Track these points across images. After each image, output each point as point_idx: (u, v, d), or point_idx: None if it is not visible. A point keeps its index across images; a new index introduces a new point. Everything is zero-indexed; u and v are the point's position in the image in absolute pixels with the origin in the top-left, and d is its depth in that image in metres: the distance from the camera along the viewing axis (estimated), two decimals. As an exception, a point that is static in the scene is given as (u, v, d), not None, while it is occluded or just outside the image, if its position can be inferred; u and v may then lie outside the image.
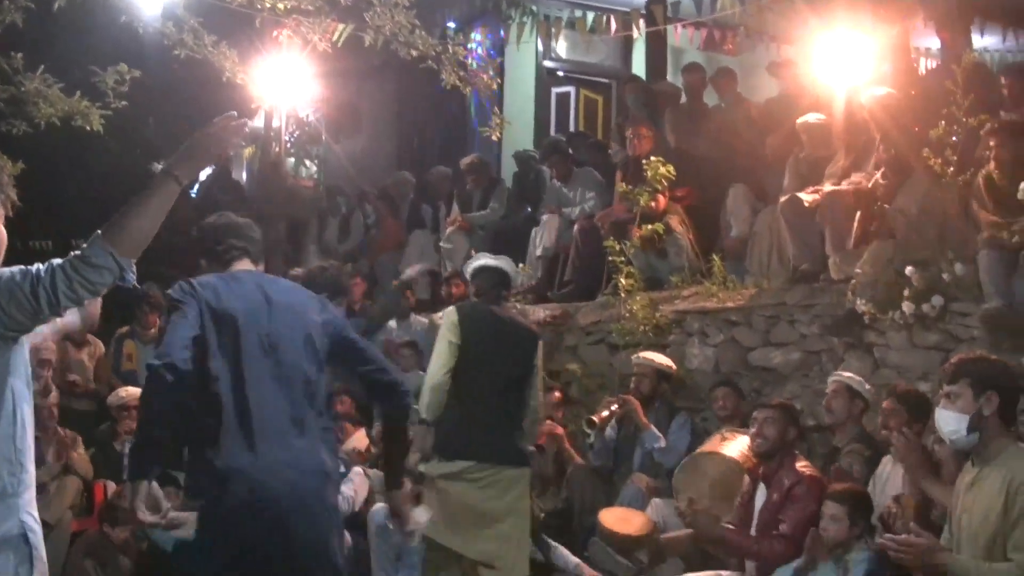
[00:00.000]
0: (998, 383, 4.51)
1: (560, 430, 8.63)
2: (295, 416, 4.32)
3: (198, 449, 4.27)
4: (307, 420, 4.35)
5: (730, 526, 6.37)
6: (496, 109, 10.11)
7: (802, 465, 6.28)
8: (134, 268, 3.40)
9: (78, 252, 3.37)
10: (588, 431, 8.27)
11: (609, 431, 8.46)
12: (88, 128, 8.65)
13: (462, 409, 6.28)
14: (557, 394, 8.94)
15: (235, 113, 3.62)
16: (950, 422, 4.57)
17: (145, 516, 4.03)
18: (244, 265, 4.61)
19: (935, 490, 5.10)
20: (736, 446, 7.23)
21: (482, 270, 6.77)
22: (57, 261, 3.40)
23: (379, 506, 7.70)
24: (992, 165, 7.50)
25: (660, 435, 8.13)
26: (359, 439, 9.31)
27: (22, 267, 3.42)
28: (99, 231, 3.36)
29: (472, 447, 6.22)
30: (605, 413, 8.21)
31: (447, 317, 6.46)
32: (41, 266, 3.40)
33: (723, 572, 6.52)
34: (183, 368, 4.11)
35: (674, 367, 8.56)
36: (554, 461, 8.69)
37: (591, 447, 8.50)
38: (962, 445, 4.64)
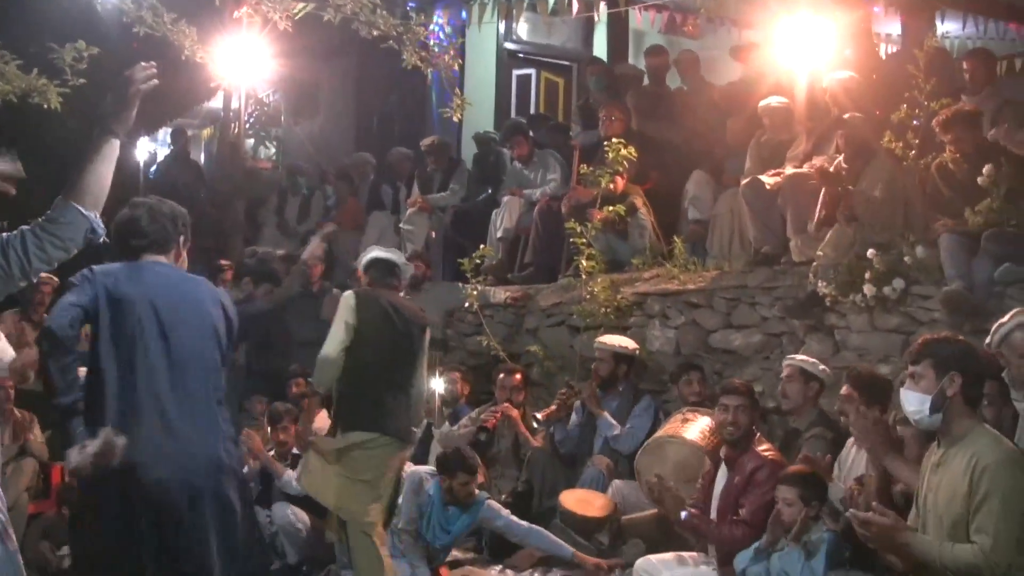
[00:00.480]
0: (961, 364, 4.51)
1: (515, 412, 8.62)
2: (188, 404, 4.40)
3: (87, 424, 4.34)
4: (201, 408, 4.45)
5: (693, 510, 6.36)
6: (457, 90, 10.02)
7: (764, 449, 6.27)
8: (101, 222, 3.58)
9: (45, 216, 3.50)
10: (536, 427, 8.43)
11: (573, 418, 8.49)
12: (45, 106, 8.49)
13: (356, 385, 6.72)
14: (518, 376, 8.91)
15: (144, 64, 3.94)
16: (913, 402, 4.57)
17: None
18: (151, 257, 4.63)
19: (898, 467, 5.09)
20: (697, 427, 7.24)
21: (375, 262, 7.22)
22: (26, 227, 3.54)
23: None
24: (948, 153, 7.54)
25: (613, 423, 8.16)
26: (322, 418, 9.28)
27: None
28: (59, 196, 3.62)
29: (363, 420, 6.67)
30: (552, 408, 8.44)
31: (345, 300, 6.83)
32: (9, 233, 3.53)
33: (685, 553, 6.52)
34: (60, 334, 4.27)
35: (636, 348, 8.54)
36: (512, 444, 8.68)
37: (553, 438, 8.51)
38: (925, 425, 4.64)
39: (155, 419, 4.31)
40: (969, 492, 4.29)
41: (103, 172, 3.77)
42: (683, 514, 6.28)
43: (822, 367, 7.01)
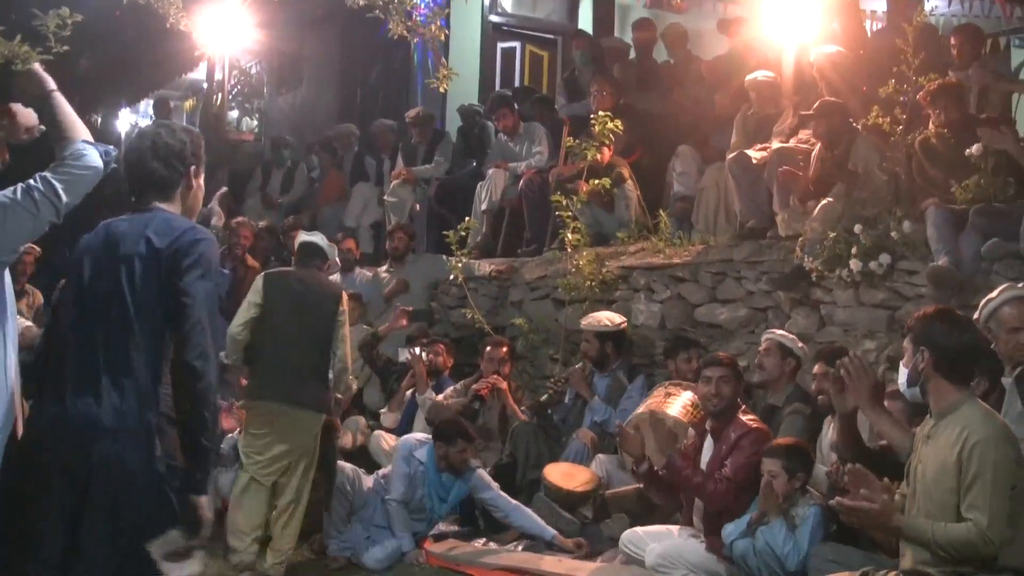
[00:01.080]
0: (930, 340, 4.55)
1: (504, 384, 8.61)
2: (110, 361, 3.80)
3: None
4: (121, 366, 3.80)
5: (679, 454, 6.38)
6: (443, 60, 9.96)
7: (749, 419, 6.30)
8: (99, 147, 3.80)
9: (55, 162, 3.80)
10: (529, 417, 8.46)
11: (568, 396, 8.54)
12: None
13: (265, 358, 7.41)
14: (504, 348, 8.90)
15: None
16: (900, 375, 4.65)
17: None
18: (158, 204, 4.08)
19: (882, 421, 5.09)
20: (680, 402, 7.23)
21: (301, 245, 7.93)
22: (42, 173, 3.78)
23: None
24: (932, 128, 7.55)
25: (604, 407, 8.19)
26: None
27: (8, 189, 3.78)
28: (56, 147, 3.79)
29: (271, 390, 7.30)
30: (543, 399, 8.51)
31: (255, 282, 7.61)
32: (29, 181, 3.76)
33: (672, 526, 6.53)
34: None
35: (621, 322, 8.53)
36: (499, 416, 8.68)
37: (552, 418, 8.58)
38: (909, 397, 4.80)
39: (76, 387, 3.83)
40: (958, 467, 4.30)
41: (69, 110, 3.96)
42: (670, 455, 6.30)
43: (800, 344, 7.06)
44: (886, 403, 5.61)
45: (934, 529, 4.32)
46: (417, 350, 9.08)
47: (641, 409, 7.43)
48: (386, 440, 8.73)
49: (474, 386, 8.62)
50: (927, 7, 11.46)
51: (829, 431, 6.23)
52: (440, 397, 8.84)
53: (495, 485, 7.66)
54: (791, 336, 7.12)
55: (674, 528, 6.48)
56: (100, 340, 3.80)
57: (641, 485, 6.75)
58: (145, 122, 19.62)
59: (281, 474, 7.29)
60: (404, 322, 9.57)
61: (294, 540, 7.35)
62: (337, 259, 8.53)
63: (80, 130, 3.94)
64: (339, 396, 7.90)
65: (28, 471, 3.77)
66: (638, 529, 6.49)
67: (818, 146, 8.17)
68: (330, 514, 7.70)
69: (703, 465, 6.32)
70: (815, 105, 8.14)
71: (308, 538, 7.72)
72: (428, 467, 7.66)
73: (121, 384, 3.76)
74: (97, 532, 3.67)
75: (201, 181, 4.17)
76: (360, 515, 7.76)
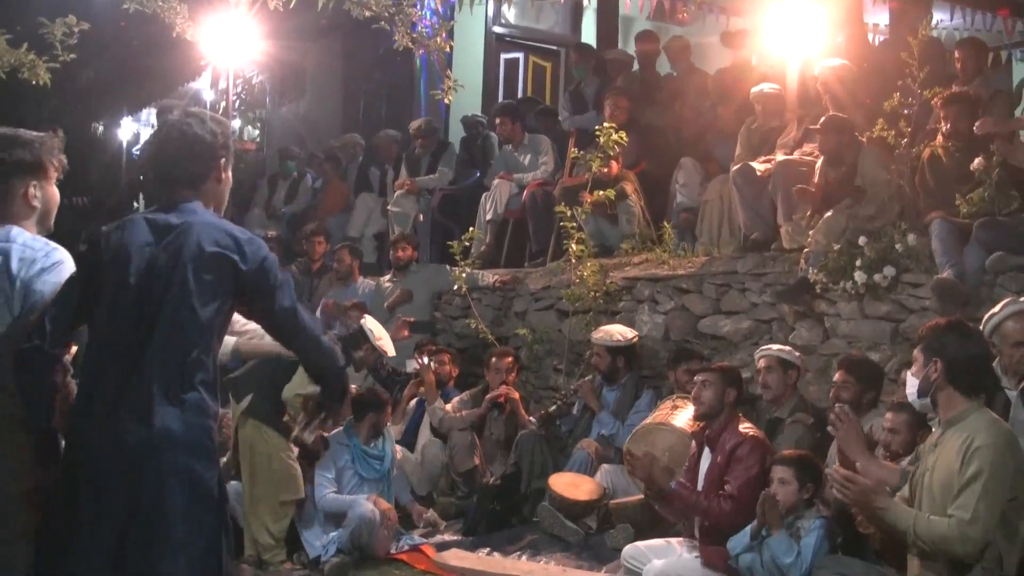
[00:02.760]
0: (942, 351, 4.57)
1: (516, 394, 8.67)
2: (163, 369, 3.62)
3: None
4: (176, 373, 3.64)
5: (681, 480, 6.41)
6: (448, 72, 10.00)
7: (745, 427, 6.32)
8: None
9: None
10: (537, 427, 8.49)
11: (576, 407, 8.58)
12: (34, 82, 8.42)
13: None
14: (509, 358, 8.93)
15: None
16: (910, 385, 4.68)
17: None
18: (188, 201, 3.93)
19: (871, 466, 5.13)
20: (686, 415, 7.26)
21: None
22: None
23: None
24: (939, 140, 7.56)
25: (611, 420, 8.24)
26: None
27: None
28: None
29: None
30: (551, 409, 8.57)
31: None
32: None
33: (673, 539, 6.53)
34: None
35: (633, 336, 8.58)
36: (504, 425, 8.71)
37: (560, 428, 8.63)
38: (918, 408, 4.83)
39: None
40: (960, 470, 4.33)
41: None
42: (672, 483, 6.32)
43: (796, 353, 7.10)
44: (890, 415, 5.69)
45: (916, 519, 4.37)
46: (426, 359, 9.10)
47: (647, 421, 7.47)
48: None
49: (488, 395, 8.63)
50: (933, 21, 11.48)
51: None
52: (448, 407, 8.87)
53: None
54: (786, 348, 7.19)
55: (675, 541, 6.47)
56: (148, 344, 3.60)
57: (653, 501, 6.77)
58: (147, 131, 19.62)
59: None
60: (405, 333, 9.58)
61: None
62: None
63: None
64: None
65: (76, 488, 3.59)
66: (640, 544, 6.49)
67: (821, 160, 8.18)
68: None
69: (702, 474, 6.34)
70: (821, 120, 8.15)
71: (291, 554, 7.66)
72: (354, 444, 7.88)
73: (176, 392, 3.60)
74: (146, 545, 3.53)
75: (229, 174, 4.03)
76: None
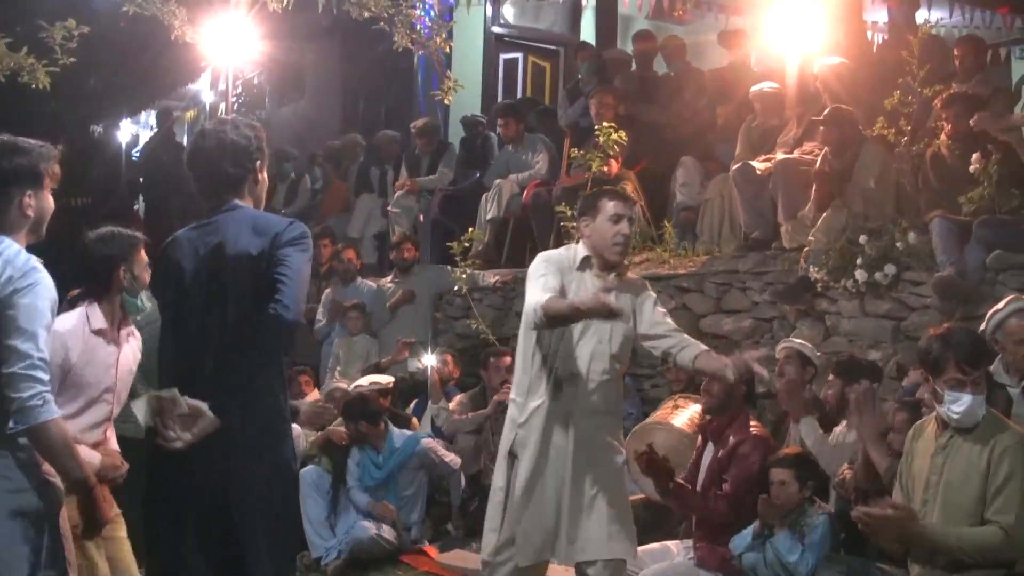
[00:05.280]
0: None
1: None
2: (231, 371, 3.87)
3: None
4: (244, 373, 3.89)
5: (681, 481, 6.39)
6: (448, 72, 10.01)
7: (752, 425, 6.30)
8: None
9: None
10: None
11: None
12: (34, 85, 8.42)
13: None
14: (507, 359, 8.90)
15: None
16: (958, 403, 4.44)
17: None
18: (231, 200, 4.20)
19: (880, 451, 5.13)
20: (687, 414, 7.24)
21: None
22: None
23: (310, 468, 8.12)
24: (944, 138, 7.56)
25: None
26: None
27: None
28: None
29: None
30: None
31: None
32: None
33: (670, 542, 6.52)
34: None
35: None
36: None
37: None
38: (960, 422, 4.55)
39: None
40: (988, 475, 4.30)
41: None
42: (673, 487, 6.30)
43: (818, 353, 7.06)
44: (897, 414, 5.68)
45: (958, 535, 4.32)
46: (433, 360, 9.09)
47: (648, 420, 7.46)
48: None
49: (496, 396, 8.57)
50: (931, 18, 11.50)
51: (837, 437, 6.25)
52: (452, 405, 8.88)
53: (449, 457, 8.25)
54: (809, 345, 7.12)
55: (672, 544, 6.45)
56: (213, 350, 3.86)
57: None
58: (146, 133, 19.64)
59: None
60: (406, 354, 9.58)
61: None
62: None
63: None
64: None
65: (164, 494, 3.92)
66: (639, 548, 6.48)
67: (820, 158, 8.18)
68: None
69: (704, 469, 6.33)
70: (826, 111, 8.15)
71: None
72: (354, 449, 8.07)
73: (261, 395, 3.87)
74: (240, 539, 3.83)
75: (266, 175, 4.25)
76: (343, 515, 7.95)
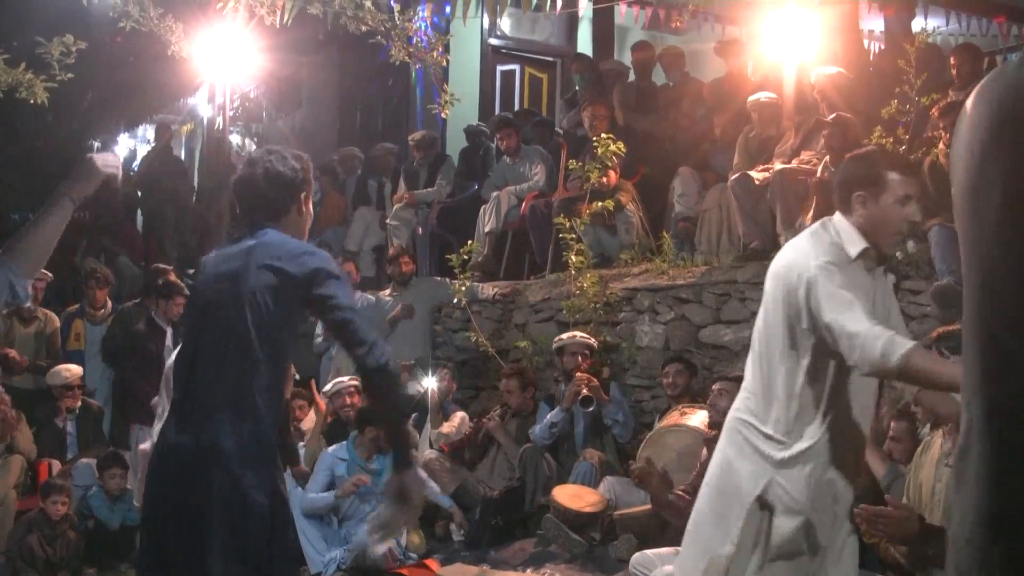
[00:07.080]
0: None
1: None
2: (232, 392, 3.91)
3: None
4: (244, 397, 3.91)
5: (680, 492, 6.39)
6: (445, 85, 10.02)
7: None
8: (26, 284, 3.56)
9: None
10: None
11: (553, 414, 8.51)
12: (32, 101, 8.43)
13: None
14: (514, 381, 8.94)
15: (112, 155, 3.96)
16: None
17: None
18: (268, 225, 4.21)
19: (874, 461, 5.14)
20: (697, 418, 7.27)
21: None
22: None
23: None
24: (941, 147, 7.56)
25: (618, 409, 8.33)
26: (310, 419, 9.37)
27: None
28: None
29: None
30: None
31: None
32: None
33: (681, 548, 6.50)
34: None
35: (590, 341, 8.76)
36: (518, 432, 8.75)
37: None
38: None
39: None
40: None
41: (50, 234, 3.66)
42: (670, 496, 6.30)
43: None
44: (892, 424, 5.68)
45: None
46: (434, 383, 9.09)
47: (659, 425, 7.49)
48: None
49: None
50: (928, 26, 11.50)
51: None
52: (447, 427, 8.92)
53: None
54: None
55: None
56: (220, 371, 3.91)
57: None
58: (144, 147, 19.63)
59: None
60: (405, 377, 9.60)
61: None
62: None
63: (25, 261, 3.62)
64: None
65: (155, 502, 3.99)
66: (648, 552, 6.47)
67: (820, 166, 8.18)
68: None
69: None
70: (831, 117, 8.16)
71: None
72: (351, 459, 8.07)
73: (242, 415, 3.87)
74: (215, 563, 3.79)
75: (311, 206, 4.30)
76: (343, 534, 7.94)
